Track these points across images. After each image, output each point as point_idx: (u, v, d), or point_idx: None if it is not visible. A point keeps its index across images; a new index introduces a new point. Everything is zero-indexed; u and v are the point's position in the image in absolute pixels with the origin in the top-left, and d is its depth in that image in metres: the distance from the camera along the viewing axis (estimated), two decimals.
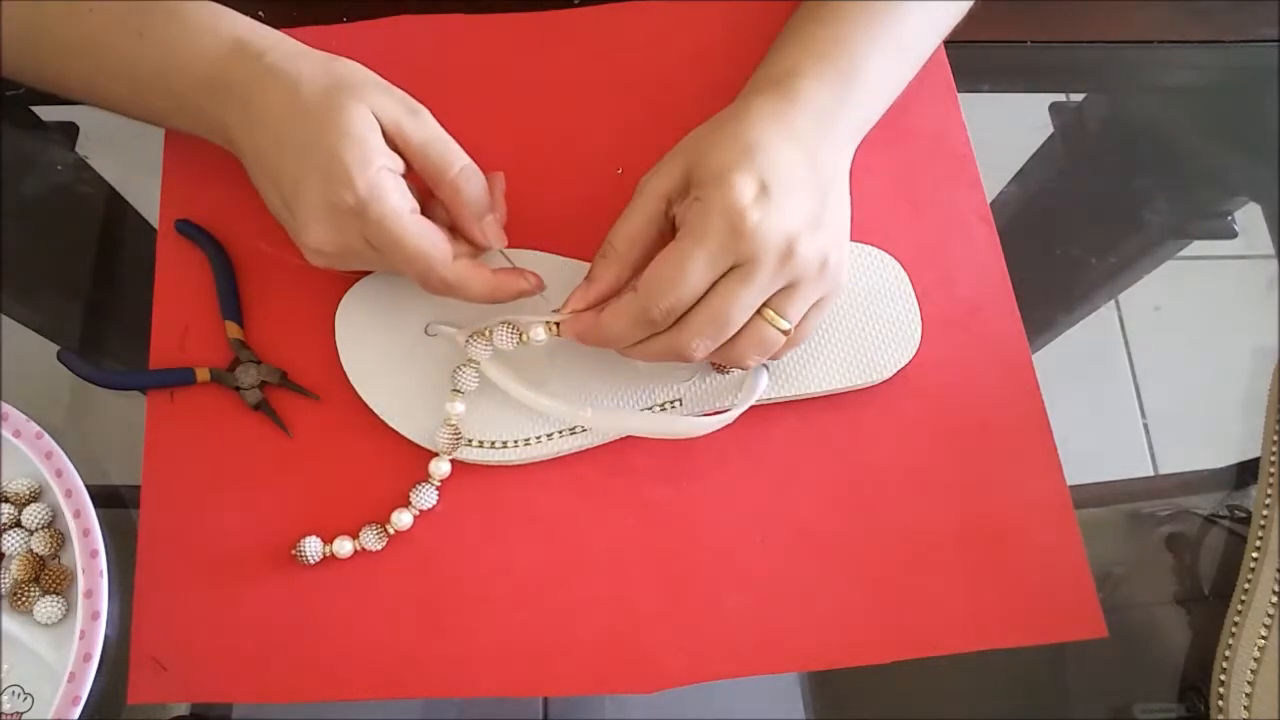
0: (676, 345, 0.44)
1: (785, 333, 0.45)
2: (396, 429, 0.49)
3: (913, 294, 0.53)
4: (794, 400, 0.51)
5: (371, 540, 0.47)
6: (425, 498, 0.48)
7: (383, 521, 0.48)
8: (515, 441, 0.49)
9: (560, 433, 0.49)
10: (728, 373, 0.51)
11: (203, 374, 0.50)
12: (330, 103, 0.44)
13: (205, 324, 0.51)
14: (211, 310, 0.51)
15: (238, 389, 0.50)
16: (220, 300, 0.51)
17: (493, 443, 0.49)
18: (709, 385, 0.50)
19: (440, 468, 0.48)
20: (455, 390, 0.48)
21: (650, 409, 0.50)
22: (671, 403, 0.50)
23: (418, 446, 0.49)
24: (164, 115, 0.51)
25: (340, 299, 0.51)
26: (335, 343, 0.50)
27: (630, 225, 0.46)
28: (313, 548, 0.47)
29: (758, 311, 0.44)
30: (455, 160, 0.46)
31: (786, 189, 0.43)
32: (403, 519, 0.48)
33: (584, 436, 0.49)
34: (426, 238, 0.44)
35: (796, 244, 0.43)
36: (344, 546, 0.47)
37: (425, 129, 0.46)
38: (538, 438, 0.49)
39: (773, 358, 0.47)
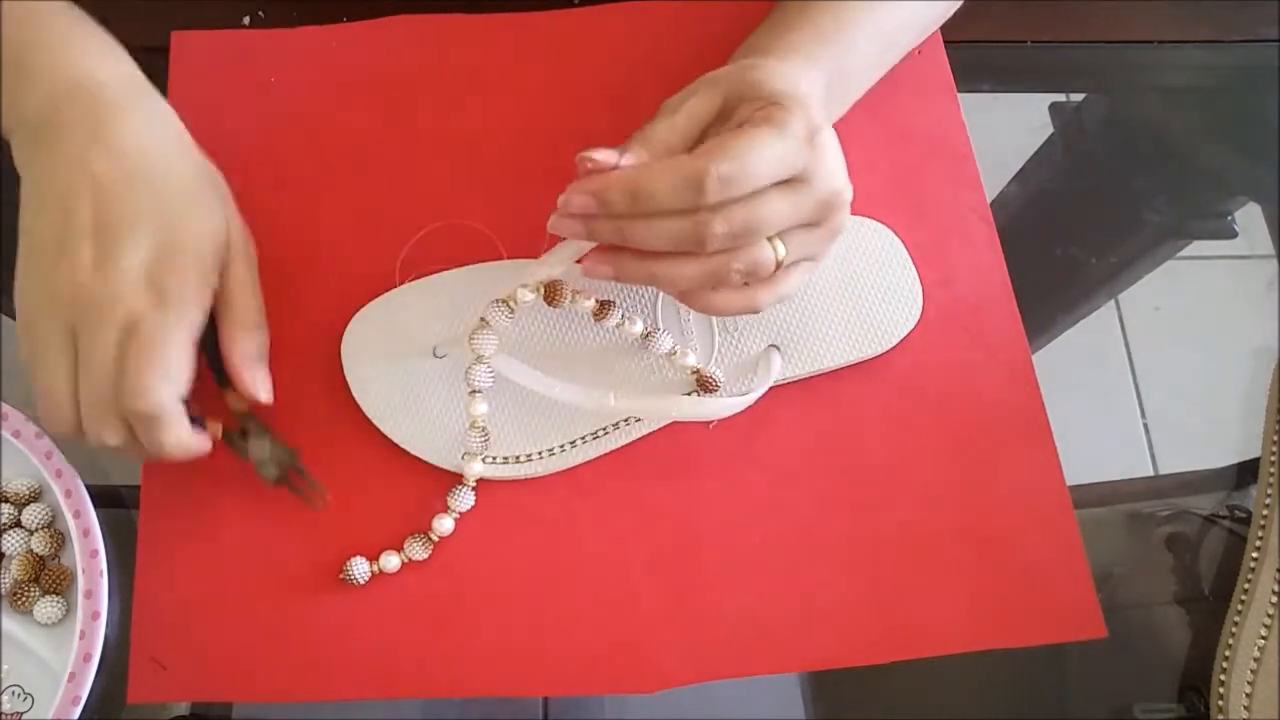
0: (702, 224, 0.40)
1: (778, 264, 0.43)
2: (424, 459, 0.48)
3: (909, 258, 0.53)
4: (795, 396, 0.51)
5: (418, 551, 0.47)
6: (463, 500, 0.48)
7: (425, 530, 0.47)
8: (540, 453, 0.49)
9: (584, 438, 0.49)
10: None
11: (214, 428, 0.46)
12: (206, 177, 0.43)
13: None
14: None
15: (253, 461, 0.47)
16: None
17: (516, 457, 0.49)
18: (723, 372, 0.50)
19: (474, 468, 0.47)
20: (473, 391, 0.47)
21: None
22: (689, 394, 0.50)
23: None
24: None
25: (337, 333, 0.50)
26: (345, 380, 0.49)
27: (661, 131, 0.43)
28: (360, 569, 0.47)
29: None
30: (257, 311, 0.46)
31: (835, 141, 0.43)
32: (444, 524, 0.47)
33: (608, 439, 0.49)
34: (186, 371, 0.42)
35: (842, 196, 0.43)
36: (391, 561, 0.47)
37: (250, 271, 0.46)
38: (560, 447, 0.49)
39: (745, 304, 0.44)
